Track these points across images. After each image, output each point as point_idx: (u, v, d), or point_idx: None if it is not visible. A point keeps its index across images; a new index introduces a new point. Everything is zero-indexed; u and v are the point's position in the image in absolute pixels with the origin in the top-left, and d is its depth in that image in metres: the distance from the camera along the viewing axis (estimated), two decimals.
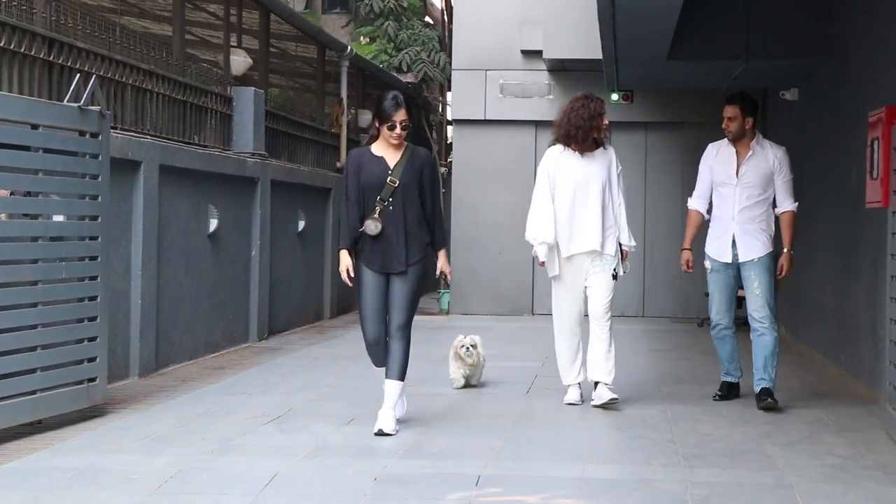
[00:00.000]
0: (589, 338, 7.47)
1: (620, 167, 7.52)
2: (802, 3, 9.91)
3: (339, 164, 15.40)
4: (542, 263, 7.35)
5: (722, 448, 6.34)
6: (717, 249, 7.51)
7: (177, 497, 5.22)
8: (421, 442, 6.49)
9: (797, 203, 7.54)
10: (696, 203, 7.69)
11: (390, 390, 6.59)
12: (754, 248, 7.40)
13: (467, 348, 8.15)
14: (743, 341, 7.89)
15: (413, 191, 6.57)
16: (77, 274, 6.91)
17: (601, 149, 7.32)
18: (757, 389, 7.33)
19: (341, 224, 6.70)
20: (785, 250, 7.48)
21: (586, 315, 7.61)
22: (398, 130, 6.49)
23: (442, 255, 6.88)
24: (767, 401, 7.18)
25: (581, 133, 7.16)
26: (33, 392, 6.49)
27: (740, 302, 8.01)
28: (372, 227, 6.42)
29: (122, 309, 8.74)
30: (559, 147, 7.32)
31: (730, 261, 7.44)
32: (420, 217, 6.63)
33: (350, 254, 6.54)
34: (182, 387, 8.52)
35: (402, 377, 6.60)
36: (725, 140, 7.57)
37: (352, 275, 6.52)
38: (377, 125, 6.59)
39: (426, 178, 6.69)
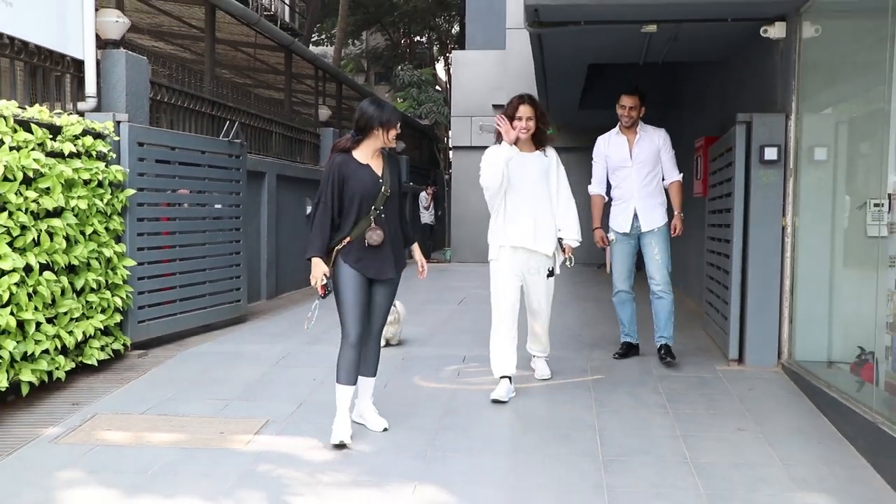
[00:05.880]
0: (528, 323, 5.16)
1: (562, 169, 4.86)
2: (658, 76, 9.92)
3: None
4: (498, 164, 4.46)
5: (611, 339, 6.37)
6: (620, 223, 5.48)
7: (287, 369, 5.32)
8: (431, 336, 6.56)
9: (682, 174, 5.62)
10: (596, 188, 5.62)
11: (369, 385, 4.21)
12: (654, 219, 5.42)
13: None
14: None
15: (396, 197, 3.97)
16: (229, 238, 6.93)
17: (538, 152, 4.69)
18: (658, 345, 5.54)
19: (315, 230, 3.97)
20: (676, 213, 5.50)
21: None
22: (394, 133, 3.92)
23: (416, 249, 4.27)
24: (668, 360, 5.39)
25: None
26: (204, 308, 6.57)
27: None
28: (375, 237, 3.87)
29: (255, 259, 8.77)
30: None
31: (629, 231, 5.46)
32: (399, 222, 4.05)
33: (324, 260, 4.00)
34: (292, 305, 8.58)
35: (376, 373, 4.23)
36: (613, 131, 5.65)
37: (326, 283, 4.00)
38: (379, 130, 3.86)
39: (402, 183, 4.09)
